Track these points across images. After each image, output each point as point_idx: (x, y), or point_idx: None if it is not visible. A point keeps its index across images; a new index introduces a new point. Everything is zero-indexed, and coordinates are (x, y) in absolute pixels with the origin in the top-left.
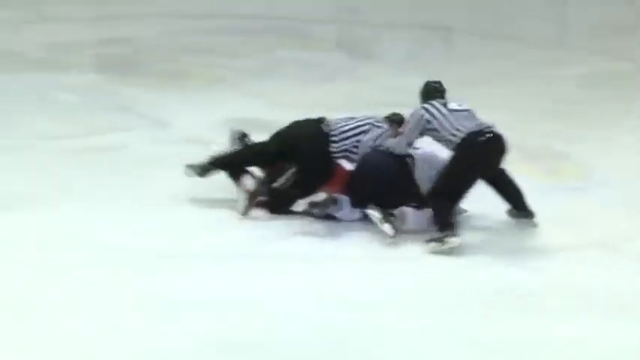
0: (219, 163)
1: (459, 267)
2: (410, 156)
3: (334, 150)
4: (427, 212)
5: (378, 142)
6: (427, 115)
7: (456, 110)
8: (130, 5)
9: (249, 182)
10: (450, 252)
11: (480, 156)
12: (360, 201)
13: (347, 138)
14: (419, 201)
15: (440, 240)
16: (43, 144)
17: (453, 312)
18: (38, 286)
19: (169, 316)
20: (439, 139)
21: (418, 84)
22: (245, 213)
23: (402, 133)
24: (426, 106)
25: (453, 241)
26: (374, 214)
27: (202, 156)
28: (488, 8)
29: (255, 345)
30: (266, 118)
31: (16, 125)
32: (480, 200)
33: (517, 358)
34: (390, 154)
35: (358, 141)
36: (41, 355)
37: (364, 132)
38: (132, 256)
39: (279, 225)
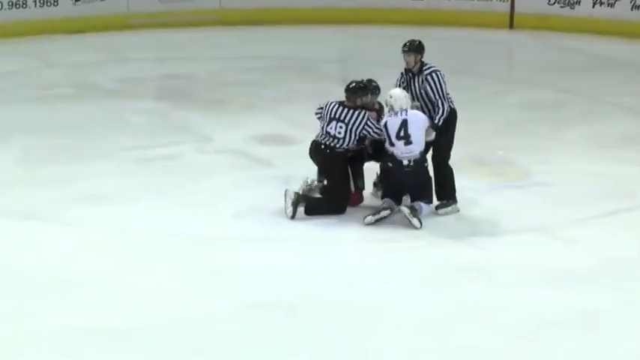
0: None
1: (428, 246)
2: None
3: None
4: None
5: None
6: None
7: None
8: (185, 50)
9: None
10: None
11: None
12: (395, 198)
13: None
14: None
15: (449, 205)
16: (120, 154)
17: (428, 283)
18: (118, 261)
19: (216, 284)
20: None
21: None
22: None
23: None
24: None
25: (457, 207)
26: (404, 209)
27: (239, 163)
28: (452, 52)
29: (291, 307)
30: (286, 134)
31: (99, 140)
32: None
33: (478, 320)
34: (419, 165)
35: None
36: (108, 308)
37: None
38: (185, 239)
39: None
